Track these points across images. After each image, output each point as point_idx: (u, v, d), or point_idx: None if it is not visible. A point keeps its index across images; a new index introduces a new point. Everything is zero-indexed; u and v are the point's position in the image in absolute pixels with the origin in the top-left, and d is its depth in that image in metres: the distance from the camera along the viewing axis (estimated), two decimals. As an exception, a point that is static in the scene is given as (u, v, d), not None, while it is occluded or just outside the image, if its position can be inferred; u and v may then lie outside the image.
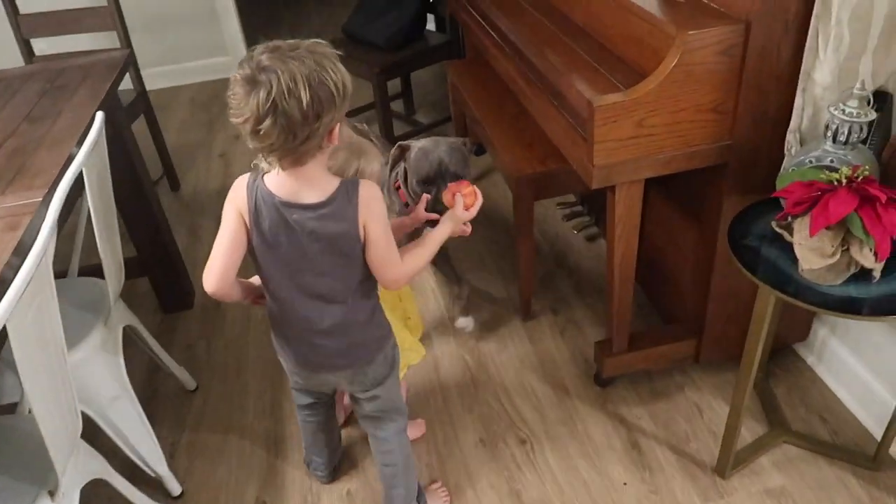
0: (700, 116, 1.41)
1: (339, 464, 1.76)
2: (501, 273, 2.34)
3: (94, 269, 2.32)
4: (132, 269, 2.25)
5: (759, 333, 1.39)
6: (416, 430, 1.81)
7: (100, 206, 1.48)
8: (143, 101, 2.80)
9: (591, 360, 1.94)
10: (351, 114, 3.23)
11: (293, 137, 1.04)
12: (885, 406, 1.61)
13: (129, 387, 1.63)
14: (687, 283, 1.83)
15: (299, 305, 1.27)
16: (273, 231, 1.18)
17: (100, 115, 1.51)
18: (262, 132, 1.03)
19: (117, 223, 1.62)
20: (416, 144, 1.76)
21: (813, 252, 1.24)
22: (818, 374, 1.85)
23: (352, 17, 2.96)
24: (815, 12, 1.29)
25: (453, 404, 1.90)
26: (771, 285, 1.29)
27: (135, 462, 1.66)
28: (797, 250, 1.26)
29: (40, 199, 1.36)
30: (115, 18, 2.64)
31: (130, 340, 1.83)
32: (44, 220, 1.16)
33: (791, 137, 1.43)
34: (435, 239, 1.35)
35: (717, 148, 1.46)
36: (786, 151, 1.46)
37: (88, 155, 1.36)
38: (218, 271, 1.22)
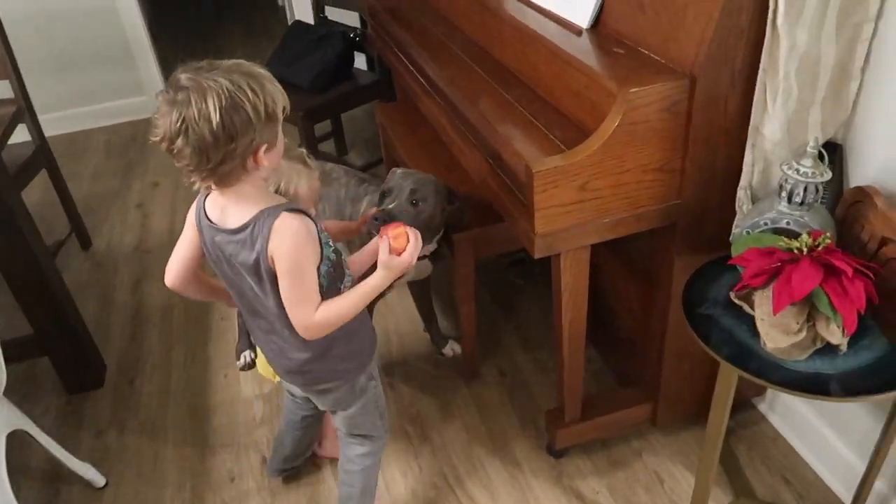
0: (647, 177, 1.30)
1: (293, 470, 1.74)
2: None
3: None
4: (28, 349, 2.03)
5: (723, 412, 1.28)
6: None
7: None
8: (43, 154, 2.55)
9: (543, 428, 1.80)
10: (277, 158, 3.03)
11: (206, 159, 1.03)
12: (851, 469, 1.52)
13: (13, 499, 1.40)
14: (640, 344, 1.72)
15: (247, 318, 1.31)
16: (210, 248, 1.20)
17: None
18: (175, 152, 1.03)
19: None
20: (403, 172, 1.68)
21: (777, 329, 1.13)
22: (779, 430, 1.76)
23: (273, 57, 2.79)
24: (762, 66, 1.19)
25: (396, 488, 1.73)
26: (733, 363, 1.18)
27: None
28: (760, 326, 1.15)
29: None
30: (7, 66, 2.39)
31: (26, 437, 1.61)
32: None
33: (742, 194, 1.34)
34: (365, 290, 1.21)
35: (666, 208, 1.35)
36: (737, 208, 1.36)
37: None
38: (174, 268, 1.29)
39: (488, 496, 1.68)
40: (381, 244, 1.23)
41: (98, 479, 1.80)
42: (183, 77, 1.02)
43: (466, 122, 1.59)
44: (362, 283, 1.22)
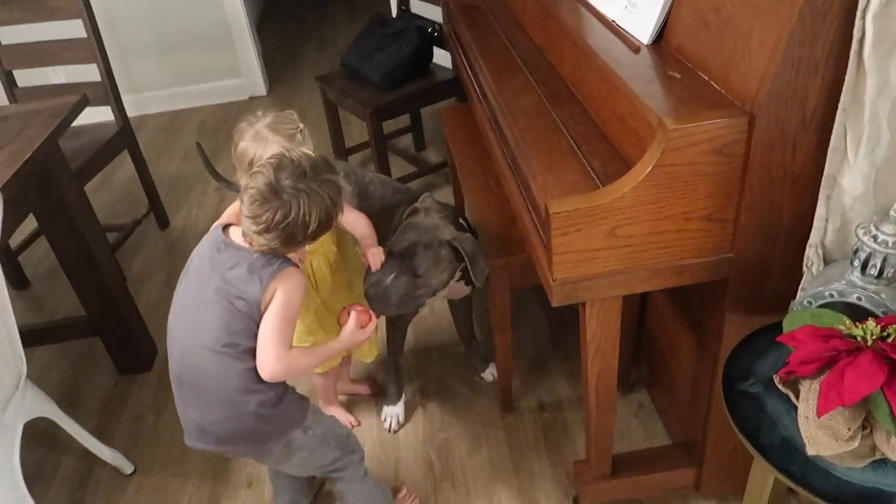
0: (690, 226, 1.11)
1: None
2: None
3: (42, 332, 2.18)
4: (81, 329, 2.10)
5: (755, 512, 1.08)
6: None
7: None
8: (125, 135, 2.63)
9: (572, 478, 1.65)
10: (348, 152, 3.00)
11: (280, 242, 1.18)
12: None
13: (25, 493, 1.43)
14: (686, 398, 1.52)
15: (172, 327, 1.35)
16: (205, 250, 1.28)
17: (-14, 194, 1.31)
18: (261, 232, 1.16)
19: (11, 312, 1.42)
20: (421, 218, 1.57)
21: (823, 432, 0.93)
22: (848, 518, 1.51)
23: (350, 50, 2.73)
24: (841, 106, 0.98)
25: (407, 520, 1.64)
26: (769, 458, 0.99)
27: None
28: (802, 425, 0.95)
29: None
30: (95, 51, 2.48)
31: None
32: None
33: (812, 253, 1.12)
34: (327, 349, 1.33)
35: (714, 262, 1.16)
36: (805, 269, 1.14)
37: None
38: None
39: (502, 544, 1.56)
40: (351, 317, 1.34)
41: (126, 467, 1.83)
42: (288, 183, 1.15)
43: (506, 141, 1.45)
44: (328, 343, 1.34)
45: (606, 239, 1.10)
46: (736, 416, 1.06)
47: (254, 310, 1.20)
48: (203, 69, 3.97)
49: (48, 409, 1.60)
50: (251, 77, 4.05)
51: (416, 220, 1.56)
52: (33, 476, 1.45)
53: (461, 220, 1.65)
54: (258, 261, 1.20)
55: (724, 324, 1.24)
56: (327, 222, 1.20)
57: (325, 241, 1.56)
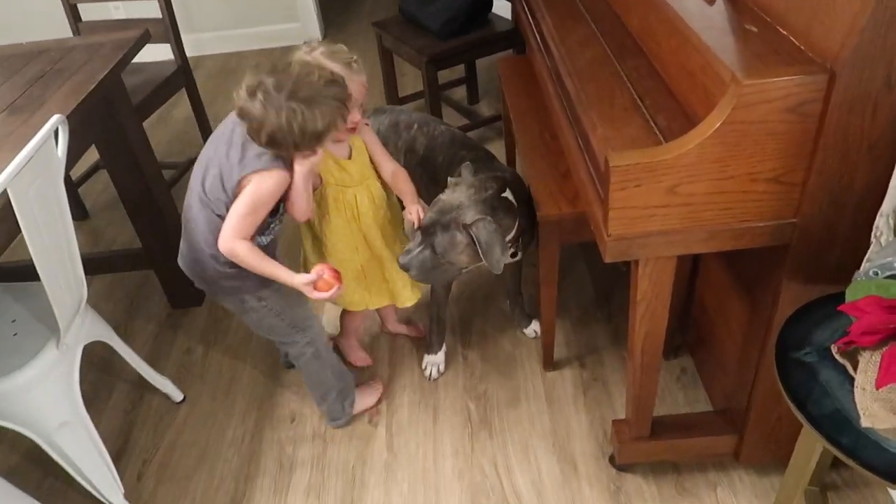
0: (755, 187, 1.07)
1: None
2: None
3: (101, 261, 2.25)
4: (136, 261, 2.16)
5: (798, 481, 1.07)
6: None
7: (41, 224, 1.31)
8: (183, 74, 2.66)
9: (610, 435, 1.65)
10: (401, 101, 2.97)
11: (255, 136, 1.29)
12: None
13: (83, 412, 1.50)
14: (733, 365, 1.50)
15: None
16: (224, 127, 1.42)
17: (53, 119, 1.34)
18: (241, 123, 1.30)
19: (75, 239, 1.47)
20: (450, 193, 1.56)
21: (880, 404, 0.90)
22: (894, 497, 1.48)
23: (408, -4, 2.69)
24: (931, 66, 0.92)
25: (443, 465, 1.67)
26: (819, 428, 0.97)
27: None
28: (858, 397, 0.93)
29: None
30: (158, -12, 2.49)
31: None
32: None
33: (882, 222, 1.07)
34: (276, 271, 1.39)
35: (776, 226, 1.12)
36: (873, 238, 1.09)
37: (17, 172, 1.19)
38: None
39: (535, 494, 1.58)
40: (315, 270, 1.37)
41: (176, 394, 1.91)
42: (266, 88, 1.25)
43: (566, 93, 1.41)
44: (281, 268, 1.39)
45: (666, 196, 1.08)
46: (787, 384, 1.04)
47: (227, 189, 1.34)
48: (261, 11, 3.97)
49: (106, 333, 1.66)
50: (307, 21, 4.03)
51: (444, 196, 1.55)
52: (90, 397, 1.52)
53: (504, 195, 1.59)
54: (253, 151, 1.31)
55: (780, 291, 1.21)
56: (301, 137, 1.26)
57: (369, 175, 1.59)
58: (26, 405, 1.40)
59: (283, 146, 1.28)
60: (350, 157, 1.56)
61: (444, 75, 2.77)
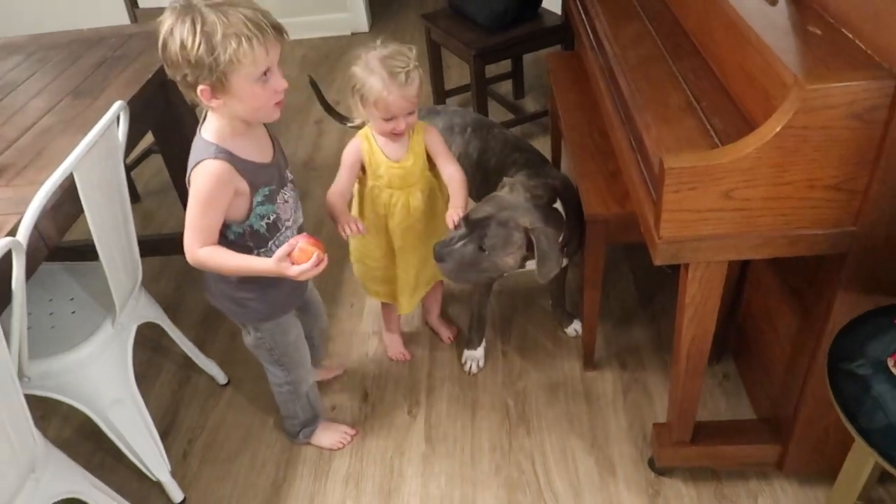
0: (813, 194, 1.05)
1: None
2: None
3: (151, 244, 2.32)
4: (179, 245, 2.20)
5: (848, 495, 1.05)
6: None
7: (102, 206, 1.36)
8: (235, 63, 2.70)
9: (650, 438, 1.64)
10: (447, 94, 2.98)
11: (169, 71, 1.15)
12: None
13: (135, 389, 1.55)
14: (779, 373, 1.47)
15: None
16: None
17: (116, 105, 1.38)
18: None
19: (132, 222, 1.51)
20: (508, 194, 1.54)
21: (938, 421, 0.88)
22: (942, 516, 1.45)
23: (458, -11, 2.68)
24: None
25: (481, 459, 1.68)
26: (870, 441, 0.95)
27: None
28: (915, 413, 0.91)
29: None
30: (213, -24, 2.53)
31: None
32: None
33: (946, 234, 1.04)
34: (249, 265, 1.26)
35: (834, 235, 1.09)
36: (935, 250, 1.07)
37: (82, 155, 1.24)
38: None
39: (572, 494, 1.57)
40: (288, 245, 1.23)
41: (221, 377, 1.95)
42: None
43: (619, 91, 1.40)
44: (252, 259, 1.27)
45: (720, 200, 1.06)
46: (839, 396, 1.02)
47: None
48: (310, 1, 4.01)
49: (157, 314, 1.71)
50: (355, 12, 4.06)
51: (500, 193, 1.53)
52: (139, 375, 1.56)
53: (555, 205, 1.58)
54: (194, 147, 1.24)
55: (834, 300, 1.18)
56: (168, 48, 1.10)
57: (414, 184, 1.57)
58: (82, 381, 1.45)
59: (172, 68, 1.13)
60: (403, 160, 1.54)
61: (491, 69, 2.76)
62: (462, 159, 1.78)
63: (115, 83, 1.67)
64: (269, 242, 1.33)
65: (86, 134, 1.30)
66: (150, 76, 1.68)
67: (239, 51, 1.08)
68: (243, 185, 1.23)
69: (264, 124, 1.32)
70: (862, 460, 1.02)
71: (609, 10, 1.67)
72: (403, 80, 1.40)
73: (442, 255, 1.50)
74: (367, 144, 1.55)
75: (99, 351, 1.45)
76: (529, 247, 1.50)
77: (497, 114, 2.92)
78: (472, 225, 1.49)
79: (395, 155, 1.54)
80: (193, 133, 1.95)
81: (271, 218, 1.31)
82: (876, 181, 1.03)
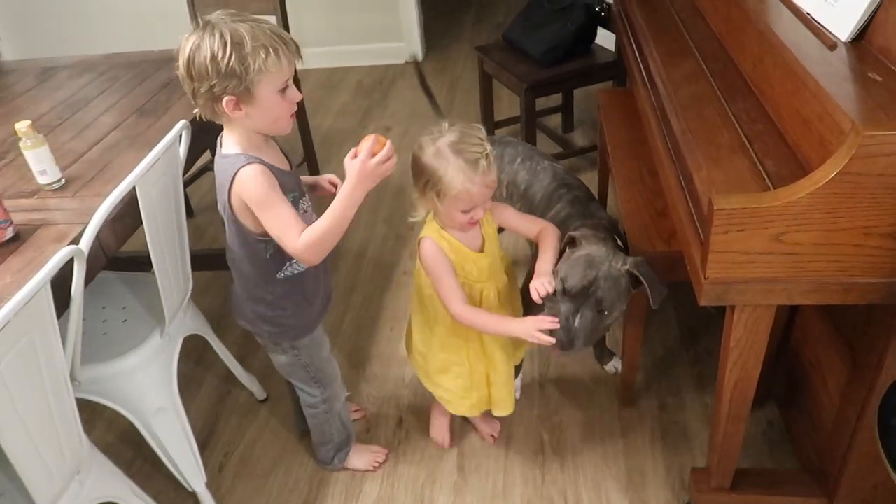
0: (869, 242, 1.03)
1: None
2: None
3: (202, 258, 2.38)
4: (224, 261, 2.26)
5: (896, 557, 1.01)
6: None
7: (160, 221, 1.41)
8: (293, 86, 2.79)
9: (687, 484, 1.60)
10: (497, 125, 3.01)
11: (187, 87, 1.19)
12: None
13: (178, 400, 1.59)
14: (827, 425, 1.43)
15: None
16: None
17: (179, 125, 1.44)
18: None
19: (187, 237, 1.56)
20: (587, 248, 1.44)
21: None
22: None
23: (513, 23, 2.73)
24: None
25: (512, 492, 1.66)
26: (923, 503, 0.91)
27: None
28: (971, 475, 0.87)
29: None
30: (276, 3, 2.63)
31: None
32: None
33: None
34: (338, 205, 1.22)
35: (890, 284, 1.06)
36: None
37: (145, 171, 1.29)
38: None
39: (605, 535, 1.55)
40: (361, 147, 1.22)
41: (260, 393, 1.98)
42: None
43: (670, 130, 1.40)
44: (335, 200, 1.23)
45: (770, 244, 1.05)
46: (889, 452, 0.98)
47: (229, 216, 1.27)
48: (366, 29, 4.12)
49: (203, 328, 1.76)
50: (410, 41, 4.15)
51: (582, 251, 1.43)
52: (182, 385, 1.60)
53: (616, 238, 1.54)
54: (220, 166, 1.25)
55: (887, 352, 1.15)
56: (198, 58, 1.12)
57: (499, 269, 1.50)
58: (130, 388, 1.49)
59: (199, 92, 1.17)
60: (482, 250, 1.45)
61: (541, 102, 2.78)
62: (510, 188, 1.79)
63: (178, 103, 1.74)
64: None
65: (149, 150, 1.36)
66: (212, 98, 1.74)
67: (268, 60, 1.13)
68: (278, 187, 1.24)
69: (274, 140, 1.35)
70: (912, 521, 0.98)
71: (663, 47, 1.68)
72: (486, 167, 1.29)
73: (570, 338, 1.37)
74: (445, 243, 1.41)
75: (147, 360, 1.49)
76: (635, 283, 1.42)
77: (545, 146, 2.93)
78: (578, 295, 1.39)
79: (473, 245, 1.44)
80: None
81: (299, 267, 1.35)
82: (934, 232, 1.00)
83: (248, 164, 1.21)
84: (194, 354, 2.13)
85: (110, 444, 1.88)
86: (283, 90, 1.20)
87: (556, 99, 3.13)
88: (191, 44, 1.13)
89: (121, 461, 1.81)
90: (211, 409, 1.97)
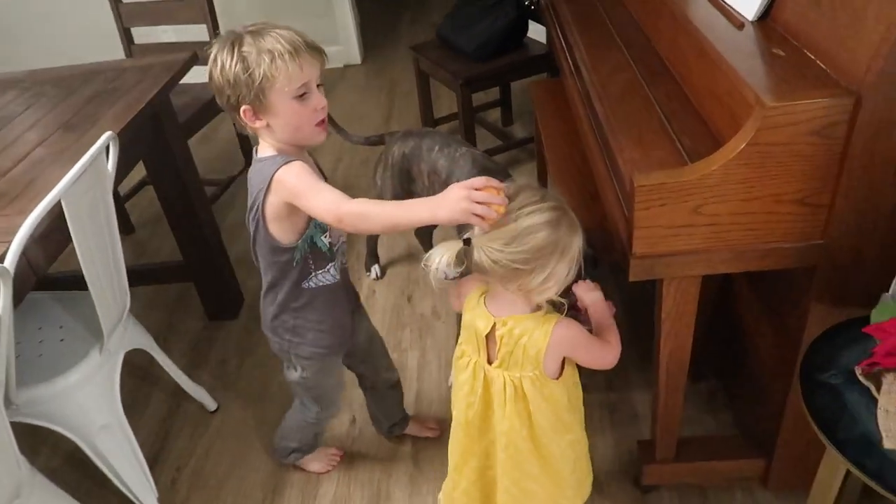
0: (780, 208, 1.08)
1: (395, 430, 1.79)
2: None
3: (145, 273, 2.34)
4: (177, 273, 2.24)
5: (823, 505, 1.06)
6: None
7: (91, 235, 1.38)
8: (227, 95, 2.76)
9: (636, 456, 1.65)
10: (437, 122, 3.03)
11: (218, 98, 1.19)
12: None
13: (123, 416, 1.56)
14: (762, 389, 1.49)
15: None
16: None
17: (104, 136, 1.42)
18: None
19: (121, 250, 1.54)
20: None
21: (904, 427, 0.90)
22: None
23: (445, 21, 2.75)
24: (958, 90, 0.93)
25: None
26: (844, 452, 0.97)
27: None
28: (881, 418, 0.93)
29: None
30: (205, 11, 2.60)
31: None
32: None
33: (911, 245, 1.07)
34: (407, 205, 1.08)
35: (802, 248, 1.12)
36: (902, 262, 1.09)
37: (71, 185, 1.27)
38: None
39: (560, 514, 1.57)
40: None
41: (210, 404, 1.96)
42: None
43: (596, 116, 1.44)
44: (408, 201, 1.09)
45: (690, 216, 1.09)
46: (812, 406, 1.03)
47: (261, 225, 1.23)
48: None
49: (146, 342, 1.73)
50: (348, 45, 4.15)
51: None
52: (128, 403, 1.57)
53: None
54: (255, 169, 1.20)
55: (808, 313, 1.21)
56: (218, 72, 1.12)
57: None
58: (70, 407, 1.46)
59: (226, 103, 1.17)
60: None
61: (480, 97, 2.82)
62: (432, 177, 1.81)
63: (105, 116, 1.71)
64: (329, 264, 1.33)
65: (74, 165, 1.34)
66: (141, 108, 1.72)
67: (272, 66, 1.10)
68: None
69: (310, 155, 1.31)
70: (833, 469, 1.03)
71: (587, 37, 1.72)
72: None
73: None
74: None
75: (87, 377, 1.46)
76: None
77: (486, 141, 2.97)
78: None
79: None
80: (184, 164, 2.02)
81: (329, 234, 1.28)
82: (839, 196, 1.06)
83: (288, 162, 1.16)
84: (140, 370, 2.09)
85: (57, 468, 1.83)
86: (302, 97, 1.15)
87: (494, 93, 3.17)
88: (210, 59, 1.15)
89: (68, 484, 1.75)
90: (160, 424, 1.94)
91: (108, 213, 1.48)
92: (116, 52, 2.74)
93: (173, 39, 2.89)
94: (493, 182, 1.03)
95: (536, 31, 2.73)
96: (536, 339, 1.13)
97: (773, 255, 1.13)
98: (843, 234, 1.10)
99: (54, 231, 1.36)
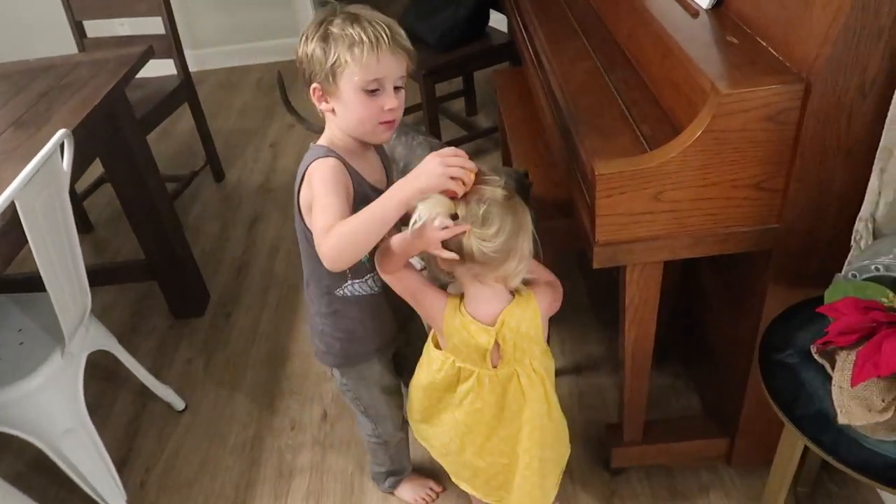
0: (737, 193, 1.11)
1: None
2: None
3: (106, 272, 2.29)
4: (139, 272, 2.20)
5: (782, 481, 1.09)
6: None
7: (47, 235, 1.35)
8: (186, 89, 2.71)
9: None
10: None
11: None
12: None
13: (87, 419, 1.53)
14: (724, 371, 1.53)
15: None
16: None
17: (59, 134, 1.38)
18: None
19: (79, 249, 1.51)
20: None
21: (856, 402, 0.93)
22: (885, 500, 1.50)
23: (406, 11, 2.74)
24: (902, 75, 0.96)
25: (441, 468, 1.69)
26: (801, 427, 1.00)
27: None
28: (836, 395, 0.96)
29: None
30: (160, 3, 2.55)
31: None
32: None
33: (861, 227, 1.10)
34: (383, 196, 1.04)
35: (759, 231, 1.15)
36: (853, 242, 1.13)
37: (24, 184, 1.23)
38: None
39: (531, 500, 1.59)
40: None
41: (178, 403, 1.94)
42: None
43: (557, 105, 1.45)
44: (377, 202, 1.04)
45: (651, 203, 1.11)
46: (770, 385, 1.06)
47: (298, 218, 1.17)
48: (261, 27, 4.04)
49: (109, 343, 1.70)
50: (308, 36, 4.09)
51: None
52: (93, 406, 1.55)
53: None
54: (304, 159, 1.15)
55: (765, 295, 1.24)
56: (303, 49, 1.10)
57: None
58: (32, 412, 1.43)
59: (304, 77, 1.13)
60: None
61: (443, 87, 2.82)
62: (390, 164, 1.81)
63: (59, 112, 1.66)
64: (368, 274, 1.23)
65: (27, 164, 1.30)
66: (97, 104, 1.68)
67: (349, 52, 1.07)
68: (351, 190, 1.12)
69: (382, 160, 1.27)
70: (792, 445, 1.06)
71: (547, 26, 1.73)
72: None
73: None
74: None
75: (48, 381, 1.43)
76: None
77: (450, 131, 2.97)
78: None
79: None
80: (143, 161, 1.98)
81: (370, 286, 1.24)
82: (793, 180, 1.08)
83: (325, 156, 1.12)
84: (105, 372, 2.05)
85: (22, 474, 1.79)
86: (373, 92, 1.10)
87: (457, 83, 3.17)
88: (302, 40, 1.13)
89: (34, 490, 1.74)
90: (128, 426, 1.91)
91: (65, 213, 1.45)
92: (68, 47, 2.67)
93: (129, 33, 2.83)
94: (460, 151, 1.06)
95: (498, 21, 2.73)
96: (531, 319, 1.14)
97: (731, 239, 1.15)
98: (797, 217, 1.13)
99: (9, 232, 1.32)
